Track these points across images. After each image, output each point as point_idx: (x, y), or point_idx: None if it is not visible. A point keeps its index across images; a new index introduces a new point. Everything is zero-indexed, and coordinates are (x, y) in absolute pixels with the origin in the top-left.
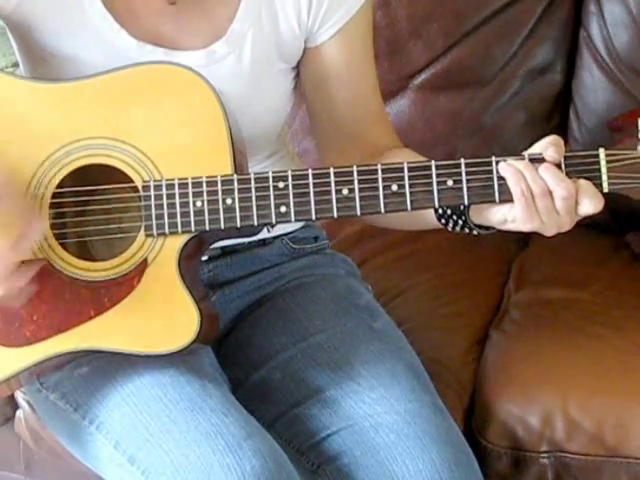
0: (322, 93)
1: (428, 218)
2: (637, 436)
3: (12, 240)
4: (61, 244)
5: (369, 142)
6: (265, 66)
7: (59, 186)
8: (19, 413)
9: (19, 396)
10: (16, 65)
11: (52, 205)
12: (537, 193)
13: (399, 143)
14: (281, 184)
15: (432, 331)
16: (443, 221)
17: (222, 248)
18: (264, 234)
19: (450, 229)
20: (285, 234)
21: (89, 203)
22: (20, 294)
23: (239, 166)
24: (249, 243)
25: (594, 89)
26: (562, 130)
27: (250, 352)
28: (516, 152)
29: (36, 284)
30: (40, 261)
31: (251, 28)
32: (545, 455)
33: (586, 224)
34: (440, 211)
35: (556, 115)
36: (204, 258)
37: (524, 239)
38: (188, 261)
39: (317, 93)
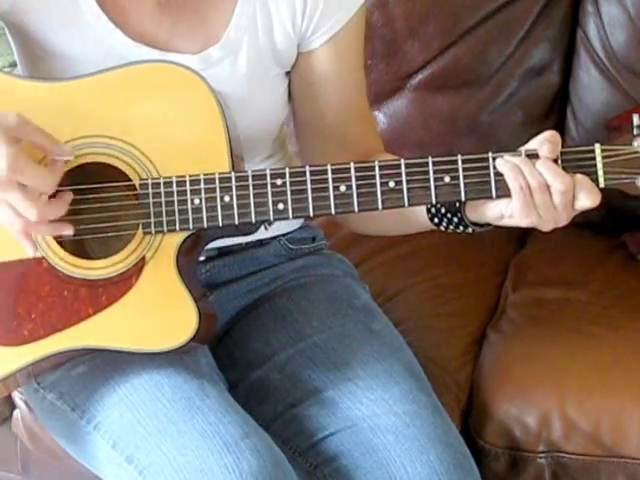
0: (311, 99)
1: (420, 219)
2: (634, 436)
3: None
4: (58, 242)
5: (355, 148)
6: (261, 70)
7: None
8: (16, 413)
9: (16, 396)
10: (13, 65)
11: None
12: (535, 188)
13: (382, 148)
14: (279, 181)
15: (429, 331)
16: (436, 220)
17: (219, 249)
18: (262, 234)
19: (444, 229)
20: (282, 234)
21: (86, 201)
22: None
23: (236, 167)
24: (246, 244)
25: (591, 89)
26: (559, 130)
27: (248, 353)
28: (513, 150)
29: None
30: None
31: (247, 33)
32: (542, 455)
33: (583, 224)
34: (434, 210)
35: (553, 115)
36: (201, 259)
37: (521, 239)
38: (186, 258)
39: (306, 99)
